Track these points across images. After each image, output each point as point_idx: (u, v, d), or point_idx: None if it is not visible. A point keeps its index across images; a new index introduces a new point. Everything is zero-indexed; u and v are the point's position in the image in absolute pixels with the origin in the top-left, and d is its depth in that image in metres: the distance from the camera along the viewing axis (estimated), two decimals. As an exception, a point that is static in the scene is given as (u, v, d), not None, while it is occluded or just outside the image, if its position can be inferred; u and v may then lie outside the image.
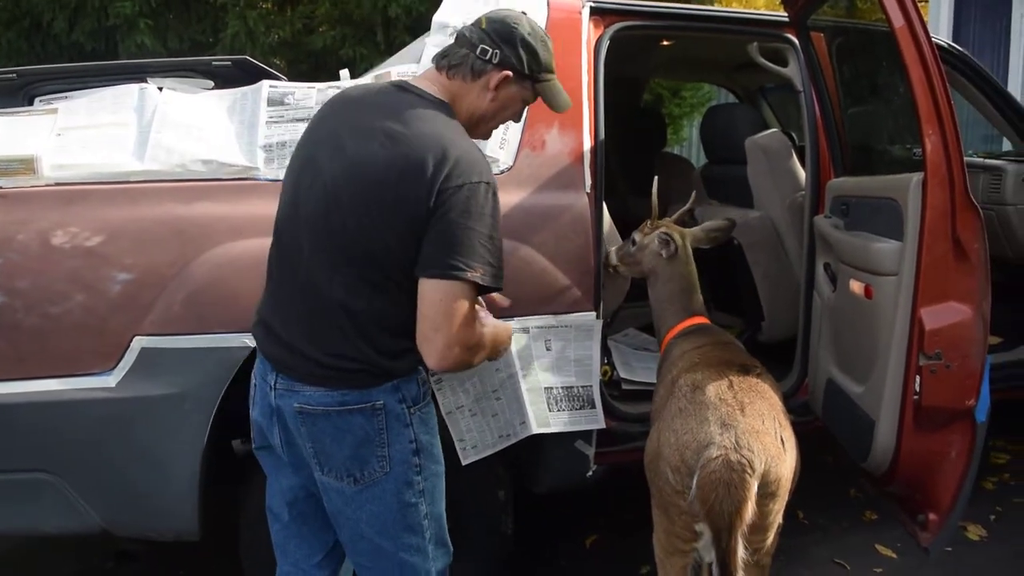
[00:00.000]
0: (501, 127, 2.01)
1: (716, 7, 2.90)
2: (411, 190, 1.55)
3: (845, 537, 3.01)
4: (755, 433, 1.80)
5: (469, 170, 1.57)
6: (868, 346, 2.30)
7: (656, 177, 2.67)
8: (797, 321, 2.85)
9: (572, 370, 2.35)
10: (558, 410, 2.33)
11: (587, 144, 2.41)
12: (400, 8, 6.11)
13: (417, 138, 1.59)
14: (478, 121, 1.78)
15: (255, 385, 1.77)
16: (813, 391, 2.76)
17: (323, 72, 6.06)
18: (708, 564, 1.89)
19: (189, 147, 2.13)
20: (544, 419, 2.30)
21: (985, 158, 3.87)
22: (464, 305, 1.57)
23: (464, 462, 2.23)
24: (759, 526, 1.79)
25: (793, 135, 3.85)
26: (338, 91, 1.83)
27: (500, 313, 2.01)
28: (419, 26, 5.49)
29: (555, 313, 2.30)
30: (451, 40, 1.80)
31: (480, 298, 1.79)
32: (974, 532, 2.99)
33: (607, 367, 2.76)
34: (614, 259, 2.53)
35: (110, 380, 2.01)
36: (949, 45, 3.08)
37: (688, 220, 2.71)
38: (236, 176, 2.15)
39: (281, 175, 2.13)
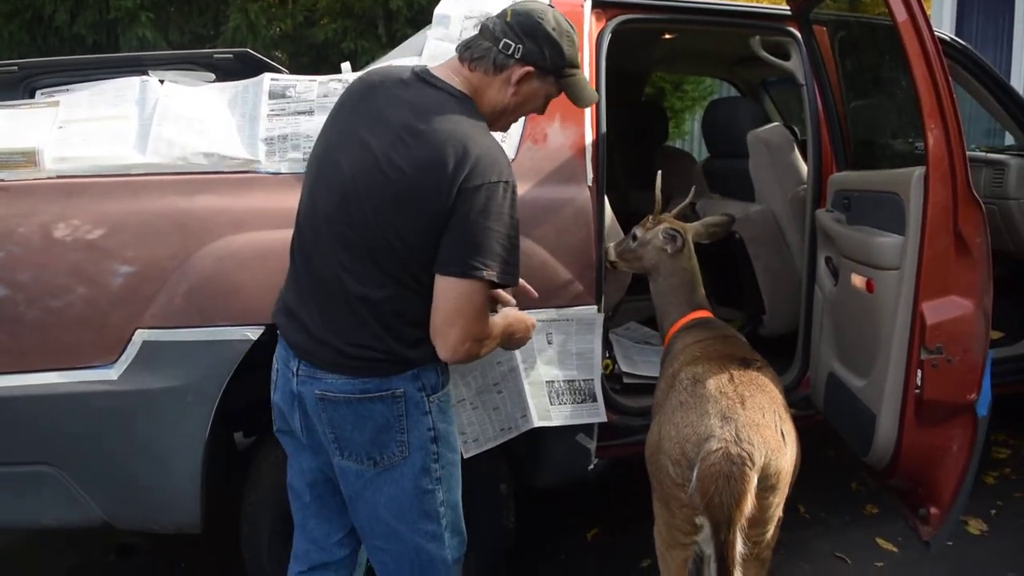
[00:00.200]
0: None
1: (718, 0, 2.89)
2: (431, 188, 1.56)
3: (846, 531, 3.02)
4: (755, 426, 1.80)
5: (488, 170, 1.58)
6: (870, 340, 2.30)
7: (660, 172, 2.66)
8: (798, 315, 2.85)
9: (574, 363, 2.36)
10: (559, 403, 2.33)
11: (589, 137, 2.41)
12: (402, 1, 6.13)
13: (438, 136, 1.59)
14: (499, 115, 1.77)
15: (277, 370, 1.79)
16: (814, 385, 2.76)
17: (324, 65, 6.06)
18: (709, 557, 1.89)
19: (190, 140, 2.13)
20: (545, 413, 2.31)
21: (988, 152, 3.86)
22: (478, 301, 1.60)
23: (465, 455, 2.23)
24: (759, 519, 1.80)
25: (795, 129, 3.84)
26: (358, 77, 1.81)
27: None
28: (421, 19, 5.49)
29: (557, 307, 2.30)
30: (475, 31, 1.77)
31: (508, 292, 1.83)
32: (975, 526, 3.00)
33: (608, 361, 2.76)
34: (612, 255, 2.53)
35: (112, 373, 2.01)
36: (952, 39, 3.07)
37: (689, 214, 2.71)
38: (237, 169, 2.15)
39: (282, 168, 2.15)
